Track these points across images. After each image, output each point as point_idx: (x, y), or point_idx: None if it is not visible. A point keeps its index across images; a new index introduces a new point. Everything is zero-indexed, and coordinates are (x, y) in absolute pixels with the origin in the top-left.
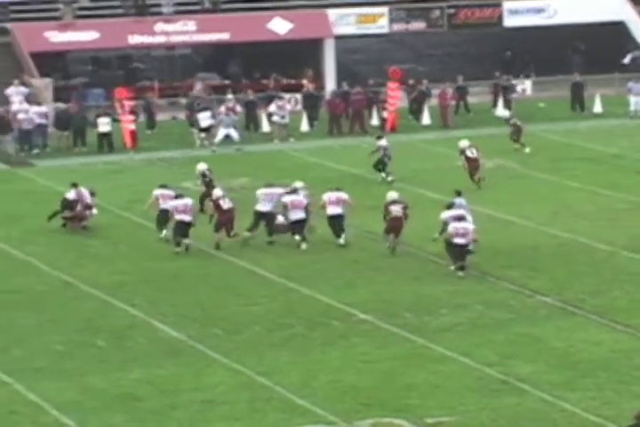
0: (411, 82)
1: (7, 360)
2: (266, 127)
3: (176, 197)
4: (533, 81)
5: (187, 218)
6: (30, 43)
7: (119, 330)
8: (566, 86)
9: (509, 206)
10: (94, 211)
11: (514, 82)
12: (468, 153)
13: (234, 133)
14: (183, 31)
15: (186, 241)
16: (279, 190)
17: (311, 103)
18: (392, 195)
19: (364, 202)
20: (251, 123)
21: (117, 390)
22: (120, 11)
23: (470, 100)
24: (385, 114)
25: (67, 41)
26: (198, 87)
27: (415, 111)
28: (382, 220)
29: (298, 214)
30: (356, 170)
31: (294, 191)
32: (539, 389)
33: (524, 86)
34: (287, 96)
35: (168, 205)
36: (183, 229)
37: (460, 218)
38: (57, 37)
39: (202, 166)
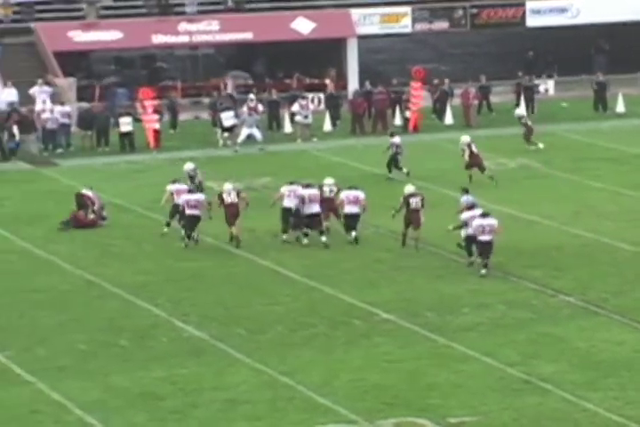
0: (435, 82)
1: (30, 359)
2: (288, 128)
3: (189, 191)
4: (556, 81)
5: (196, 212)
6: (54, 42)
7: (142, 329)
8: (589, 86)
9: (532, 206)
10: (103, 222)
11: (536, 82)
12: (474, 148)
13: (256, 133)
14: (206, 31)
15: (195, 235)
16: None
17: (333, 103)
18: (409, 188)
19: (387, 202)
20: (273, 122)
21: (140, 389)
22: (143, 10)
23: (493, 99)
24: (408, 113)
25: (90, 40)
26: (230, 85)
27: (438, 111)
28: (394, 213)
29: (313, 208)
30: (379, 170)
31: (310, 185)
32: (561, 388)
33: (547, 86)
34: (310, 96)
35: (180, 199)
36: (193, 223)
37: (485, 215)
38: (80, 37)
39: (188, 166)
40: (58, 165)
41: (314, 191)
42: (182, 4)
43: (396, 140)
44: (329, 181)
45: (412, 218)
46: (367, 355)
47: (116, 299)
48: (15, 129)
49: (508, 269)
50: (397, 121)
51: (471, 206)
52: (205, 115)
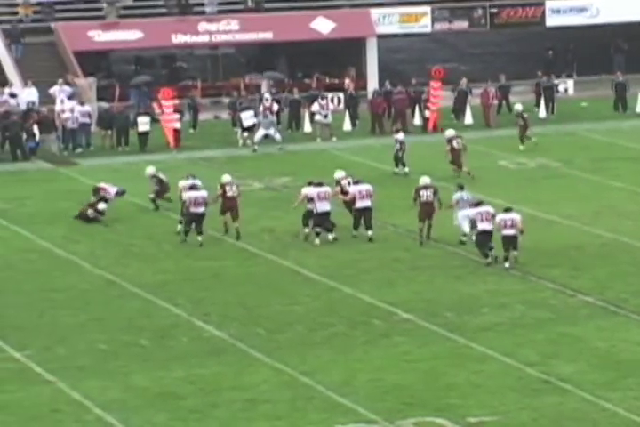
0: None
1: (51, 359)
2: (308, 127)
3: (191, 188)
4: (575, 80)
5: (202, 210)
6: (74, 42)
7: (162, 329)
8: (609, 86)
9: (551, 206)
10: (102, 206)
11: (556, 81)
12: (454, 143)
13: (272, 133)
14: (226, 31)
15: (199, 237)
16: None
17: (353, 102)
18: (424, 180)
19: (407, 201)
20: (293, 122)
21: (160, 389)
22: (163, 10)
23: (512, 99)
24: (427, 113)
25: (110, 40)
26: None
27: (456, 111)
28: (412, 204)
29: (325, 206)
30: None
31: (320, 184)
32: (580, 388)
33: (567, 86)
34: (330, 95)
35: (185, 196)
36: (199, 221)
37: (508, 209)
38: (100, 37)
39: (150, 170)
40: (78, 165)
41: (325, 189)
42: (202, 4)
43: (400, 136)
44: (340, 174)
45: (424, 211)
46: (386, 355)
47: (136, 298)
48: (35, 129)
49: (527, 269)
50: (417, 121)
51: (478, 203)
52: (225, 114)
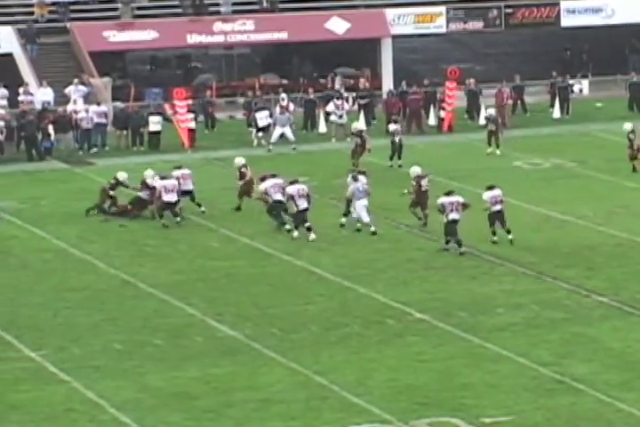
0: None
1: (66, 358)
2: (322, 127)
3: (162, 178)
4: (590, 81)
5: (174, 198)
6: (89, 42)
7: (176, 329)
8: (624, 86)
9: (566, 206)
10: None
11: (570, 82)
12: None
13: (289, 133)
14: (241, 31)
15: (177, 218)
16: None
17: (368, 103)
18: (416, 169)
19: None
20: (308, 122)
21: (174, 389)
22: (178, 10)
23: (528, 99)
24: (442, 113)
25: (125, 40)
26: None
27: (469, 111)
28: (411, 192)
29: (304, 203)
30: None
31: (296, 181)
32: (595, 389)
33: (582, 86)
34: (345, 95)
35: (157, 183)
36: (172, 208)
37: (492, 187)
38: (116, 37)
39: (122, 175)
40: (93, 165)
41: (302, 187)
42: (217, 4)
43: (394, 126)
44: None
45: (423, 199)
46: (400, 355)
47: (151, 298)
48: (50, 128)
49: (541, 269)
50: (431, 121)
51: (449, 193)
52: (240, 114)
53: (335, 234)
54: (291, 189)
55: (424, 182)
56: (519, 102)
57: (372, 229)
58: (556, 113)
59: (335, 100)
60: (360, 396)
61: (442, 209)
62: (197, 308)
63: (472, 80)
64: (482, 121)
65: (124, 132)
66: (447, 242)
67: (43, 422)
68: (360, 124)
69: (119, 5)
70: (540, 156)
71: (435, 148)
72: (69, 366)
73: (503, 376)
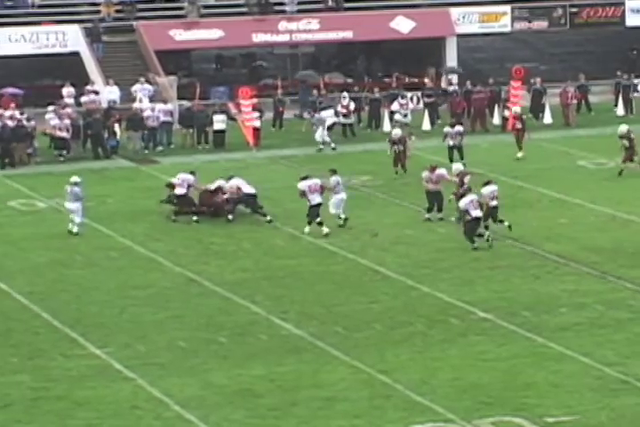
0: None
1: (131, 356)
2: (387, 126)
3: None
4: None
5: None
6: (155, 41)
7: (241, 327)
8: None
9: (630, 206)
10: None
11: (635, 81)
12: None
13: (323, 133)
14: (306, 29)
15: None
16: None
17: (432, 102)
18: (459, 166)
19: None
20: (373, 121)
21: (238, 387)
22: (244, 9)
23: (592, 99)
24: (506, 113)
25: (191, 39)
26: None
27: (533, 110)
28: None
29: (316, 198)
30: (478, 169)
31: (307, 177)
32: None
33: None
34: (409, 94)
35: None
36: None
37: (488, 182)
38: (182, 36)
39: (73, 179)
40: (158, 163)
41: (315, 182)
42: (282, 3)
43: (453, 129)
44: (457, 165)
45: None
46: (464, 354)
47: (216, 296)
48: (117, 127)
49: (605, 269)
50: (496, 120)
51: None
52: (305, 113)
53: (398, 233)
54: (302, 185)
55: (466, 180)
56: (584, 102)
57: (342, 216)
58: (620, 112)
59: (400, 99)
60: (423, 395)
61: (464, 213)
62: (262, 306)
63: (538, 79)
64: (547, 120)
65: (190, 130)
66: (473, 241)
67: (108, 419)
68: (399, 130)
69: (185, 4)
70: (604, 155)
71: (499, 147)
72: (135, 363)
73: (567, 376)
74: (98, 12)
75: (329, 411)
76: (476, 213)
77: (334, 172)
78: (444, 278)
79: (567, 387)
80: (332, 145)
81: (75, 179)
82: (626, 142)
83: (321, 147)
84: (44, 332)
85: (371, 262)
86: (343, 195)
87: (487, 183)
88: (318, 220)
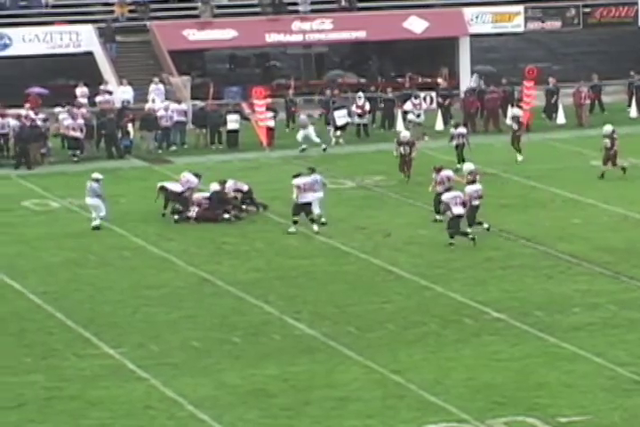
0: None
1: (144, 356)
2: (400, 126)
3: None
4: None
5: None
6: (169, 41)
7: (254, 326)
8: None
9: None
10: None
11: None
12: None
13: (312, 135)
14: (320, 29)
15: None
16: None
17: (445, 102)
18: (470, 166)
19: (499, 200)
20: (386, 121)
21: (251, 386)
22: (257, 9)
23: (605, 99)
24: (518, 113)
25: (205, 39)
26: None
27: (547, 110)
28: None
29: (307, 197)
30: (491, 169)
31: (300, 175)
32: None
33: None
34: (422, 94)
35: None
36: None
37: (473, 182)
38: (195, 36)
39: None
40: (172, 163)
41: (308, 180)
42: (296, 3)
43: (458, 131)
44: (468, 165)
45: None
46: (477, 354)
47: (229, 296)
48: (130, 127)
49: (618, 269)
50: (509, 120)
51: (448, 189)
52: (317, 113)
53: (411, 233)
54: (297, 182)
55: (477, 179)
56: (597, 102)
57: (323, 220)
58: (634, 112)
59: (413, 99)
60: (437, 395)
61: (445, 207)
62: (275, 306)
63: (552, 79)
64: (560, 120)
65: (203, 130)
66: (451, 236)
67: (121, 419)
68: (408, 133)
69: (199, 4)
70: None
71: (512, 147)
72: (148, 363)
73: (579, 376)
74: (111, 12)
75: (342, 411)
76: (458, 209)
77: (313, 170)
78: (457, 278)
79: (580, 387)
80: (323, 146)
81: (96, 175)
82: (607, 142)
83: (303, 147)
84: (57, 332)
85: (384, 262)
86: (321, 193)
87: (472, 182)
88: (310, 217)
